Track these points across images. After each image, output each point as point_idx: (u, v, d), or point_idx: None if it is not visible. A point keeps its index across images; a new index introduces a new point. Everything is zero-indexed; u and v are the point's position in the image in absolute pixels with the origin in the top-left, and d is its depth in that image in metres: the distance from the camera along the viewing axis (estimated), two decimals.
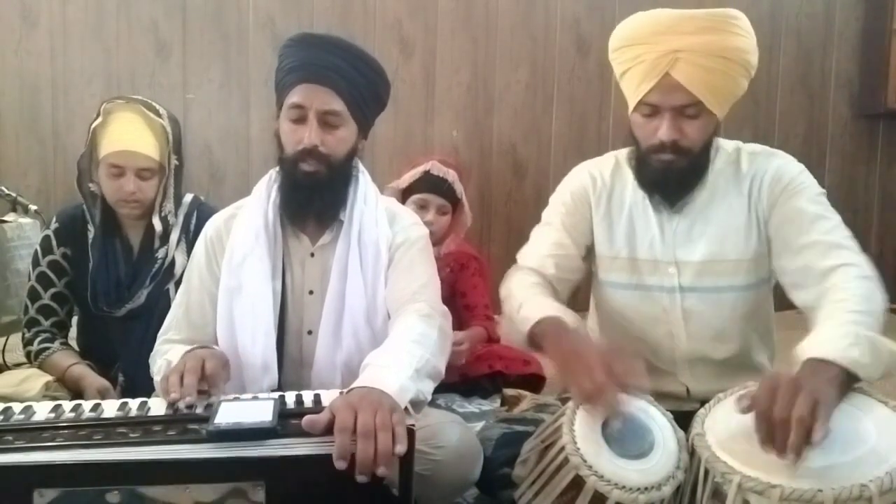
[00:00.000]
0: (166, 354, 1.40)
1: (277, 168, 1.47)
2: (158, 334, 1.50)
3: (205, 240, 1.50)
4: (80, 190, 1.81)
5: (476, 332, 2.34)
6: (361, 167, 1.51)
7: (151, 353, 1.47)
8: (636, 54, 1.37)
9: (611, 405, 1.13)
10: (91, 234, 1.81)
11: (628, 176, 1.52)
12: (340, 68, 1.39)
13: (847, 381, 1.10)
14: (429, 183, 2.36)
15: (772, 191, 1.43)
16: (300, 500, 1.02)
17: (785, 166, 1.45)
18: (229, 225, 1.48)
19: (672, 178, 1.42)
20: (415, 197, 2.37)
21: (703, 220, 1.46)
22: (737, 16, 1.36)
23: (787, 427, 1.00)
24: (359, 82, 1.41)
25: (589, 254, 1.58)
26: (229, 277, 1.42)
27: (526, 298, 1.43)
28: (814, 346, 1.13)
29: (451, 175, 2.37)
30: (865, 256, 1.32)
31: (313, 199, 1.42)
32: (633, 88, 1.40)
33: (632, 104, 1.42)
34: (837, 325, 1.16)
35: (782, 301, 1.55)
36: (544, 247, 1.55)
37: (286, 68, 1.41)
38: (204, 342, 1.42)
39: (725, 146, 1.50)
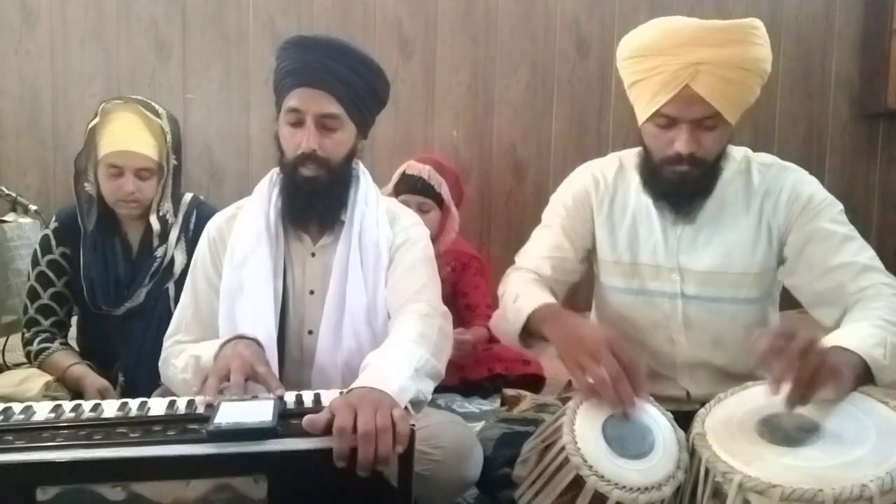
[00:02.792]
0: (192, 350, 1.36)
1: (278, 168, 1.47)
2: (165, 336, 1.49)
3: (207, 240, 1.50)
4: (75, 190, 1.81)
5: (478, 332, 2.34)
6: (362, 168, 1.51)
7: (162, 357, 1.46)
8: (654, 65, 1.34)
9: (620, 392, 1.14)
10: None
11: (632, 179, 1.51)
12: (337, 71, 1.38)
13: (863, 375, 1.12)
14: (405, 184, 2.35)
15: (790, 209, 1.41)
16: (301, 493, 1.02)
17: (801, 183, 1.44)
18: (231, 224, 1.48)
19: (686, 188, 1.40)
20: (397, 200, 2.33)
21: (710, 230, 1.45)
22: (757, 25, 1.34)
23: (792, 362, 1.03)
24: (356, 83, 1.41)
25: (587, 256, 1.58)
26: (231, 278, 1.42)
27: (522, 290, 1.43)
28: (841, 337, 1.17)
29: (426, 171, 2.34)
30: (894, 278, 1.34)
31: (314, 203, 1.42)
32: (648, 99, 1.36)
33: (645, 114, 1.39)
34: (866, 326, 1.19)
35: (783, 302, 1.55)
36: (542, 249, 1.55)
37: (283, 71, 1.41)
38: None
39: (734, 154, 1.47)
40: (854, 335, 1.17)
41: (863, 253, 1.36)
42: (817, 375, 1.04)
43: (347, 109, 1.40)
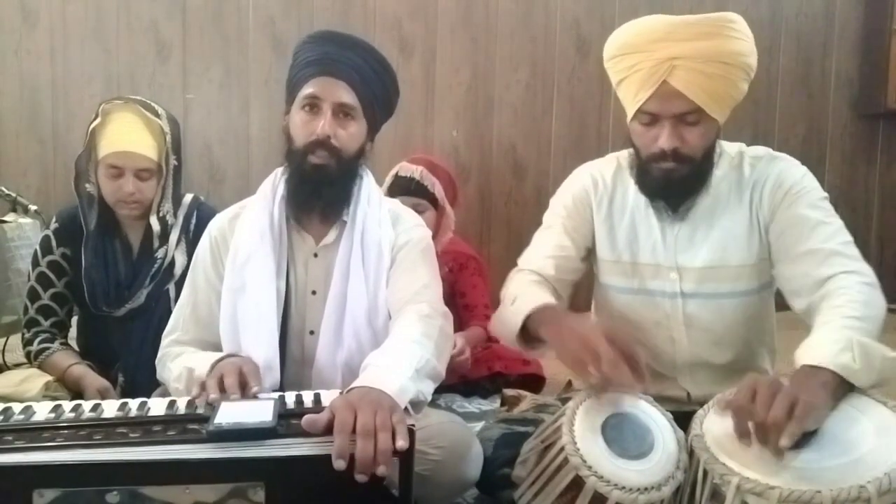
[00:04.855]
0: (186, 362, 1.37)
1: (283, 167, 1.48)
2: (163, 335, 1.49)
3: (209, 239, 1.50)
4: (76, 190, 1.81)
5: (475, 333, 2.34)
6: (366, 168, 1.52)
7: (159, 356, 1.47)
8: (632, 63, 1.36)
9: (622, 382, 1.14)
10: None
11: (630, 179, 1.51)
12: (357, 65, 1.41)
13: (840, 386, 1.10)
14: (398, 186, 2.32)
15: (773, 197, 1.41)
16: (300, 501, 1.02)
17: (787, 171, 1.43)
18: (233, 224, 1.48)
19: (674, 185, 1.40)
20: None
21: (706, 226, 1.45)
22: (733, 19, 1.34)
23: (764, 428, 1.03)
24: (373, 81, 1.43)
25: (589, 255, 1.58)
26: (233, 277, 1.42)
27: (521, 292, 1.43)
28: (807, 352, 1.14)
29: (418, 172, 2.32)
30: (865, 263, 1.31)
31: (320, 193, 1.42)
32: (631, 97, 1.38)
33: (630, 113, 1.40)
34: (831, 331, 1.16)
35: (784, 301, 1.54)
36: (545, 249, 1.55)
37: (303, 62, 1.42)
38: (212, 341, 1.42)
39: (728, 150, 1.48)
40: (819, 346, 1.14)
41: (834, 238, 1.34)
42: (776, 436, 1.01)
43: (363, 103, 1.42)
